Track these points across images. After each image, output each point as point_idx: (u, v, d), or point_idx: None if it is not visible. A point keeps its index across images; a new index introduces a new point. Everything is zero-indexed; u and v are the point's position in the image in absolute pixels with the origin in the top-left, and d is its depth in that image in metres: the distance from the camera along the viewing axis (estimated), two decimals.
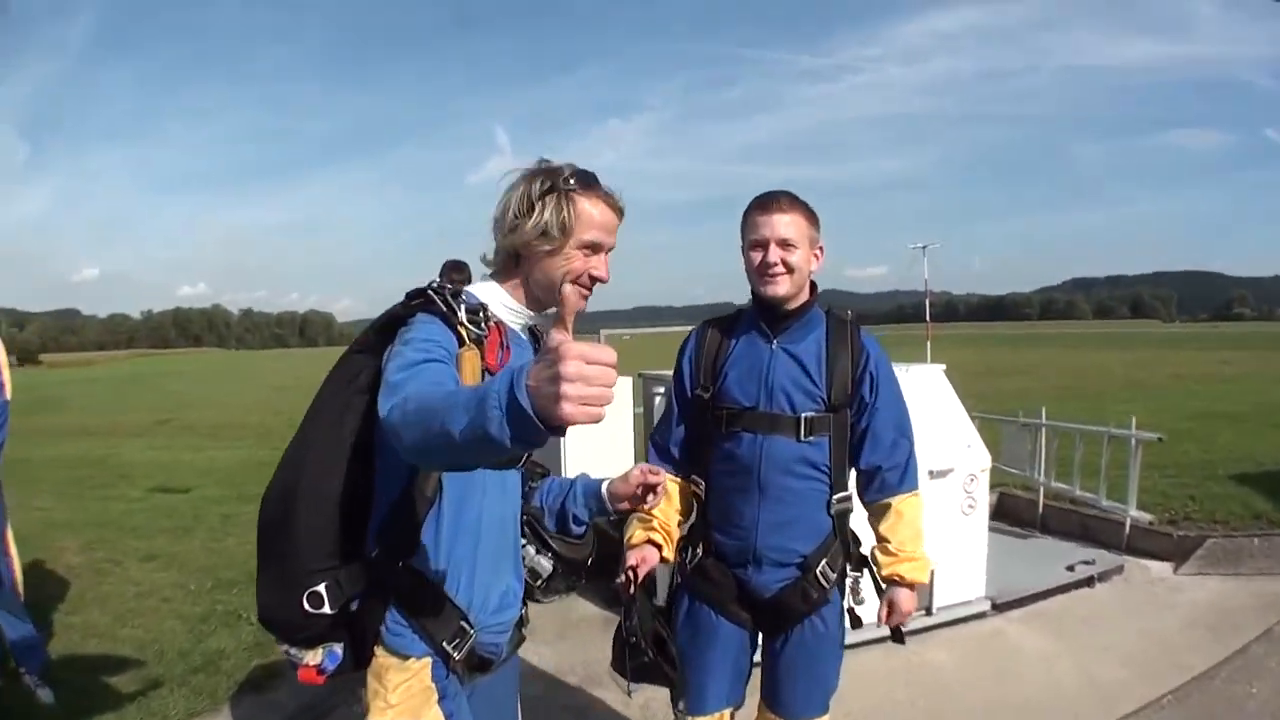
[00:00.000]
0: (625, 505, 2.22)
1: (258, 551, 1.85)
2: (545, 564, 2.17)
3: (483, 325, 1.85)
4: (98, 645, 5.14)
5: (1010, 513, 7.88)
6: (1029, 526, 7.59)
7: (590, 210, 1.91)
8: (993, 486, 6.39)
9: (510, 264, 1.97)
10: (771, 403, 2.58)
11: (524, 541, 2.15)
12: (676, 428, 2.80)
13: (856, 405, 2.62)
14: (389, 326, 1.82)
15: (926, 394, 5.41)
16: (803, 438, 2.56)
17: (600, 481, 2.24)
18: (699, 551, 2.73)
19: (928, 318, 14.67)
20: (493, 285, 2.00)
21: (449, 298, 1.84)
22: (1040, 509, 7.60)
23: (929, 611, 5.33)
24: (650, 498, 2.18)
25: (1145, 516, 6.83)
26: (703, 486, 2.72)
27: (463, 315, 1.82)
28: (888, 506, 2.65)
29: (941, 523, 5.16)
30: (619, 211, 1.99)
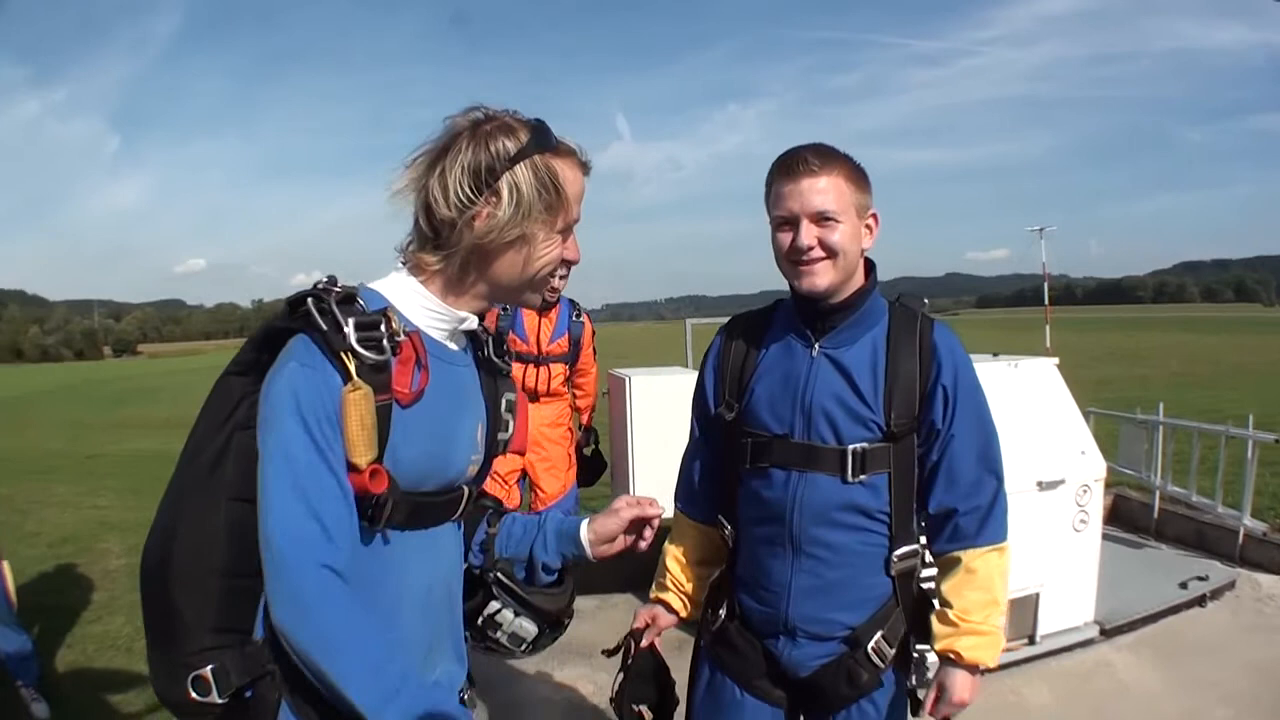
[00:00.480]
0: (612, 548, 1.77)
1: (143, 616, 1.50)
2: (528, 627, 1.75)
3: (385, 343, 1.40)
4: (112, 658, 4.93)
5: (1125, 517, 7.36)
6: (1143, 532, 7.02)
7: (573, 179, 1.53)
8: (1108, 487, 6.01)
9: (465, 262, 1.52)
10: (810, 430, 2.00)
11: (498, 605, 1.74)
12: (699, 457, 2.28)
13: (925, 431, 2.01)
14: (269, 342, 1.43)
15: (1038, 392, 4.90)
16: (850, 477, 1.96)
17: (578, 521, 1.78)
18: (722, 613, 2.20)
19: (1046, 301, 14.32)
20: (406, 279, 1.54)
21: (335, 308, 1.38)
22: (1155, 514, 7.00)
23: (1032, 640, 4.73)
24: (647, 531, 1.75)
25: (1260, 526, 6.25)
26: (729, 532, 2.18)
27: (351, 335, 1.37)
28: (956, 562, 2.03)
29: (1051, 540, 4.67)
30: (588, 171, 1.58)
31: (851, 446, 1.95)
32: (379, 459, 1.38)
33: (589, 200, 1.56)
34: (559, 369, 5.45)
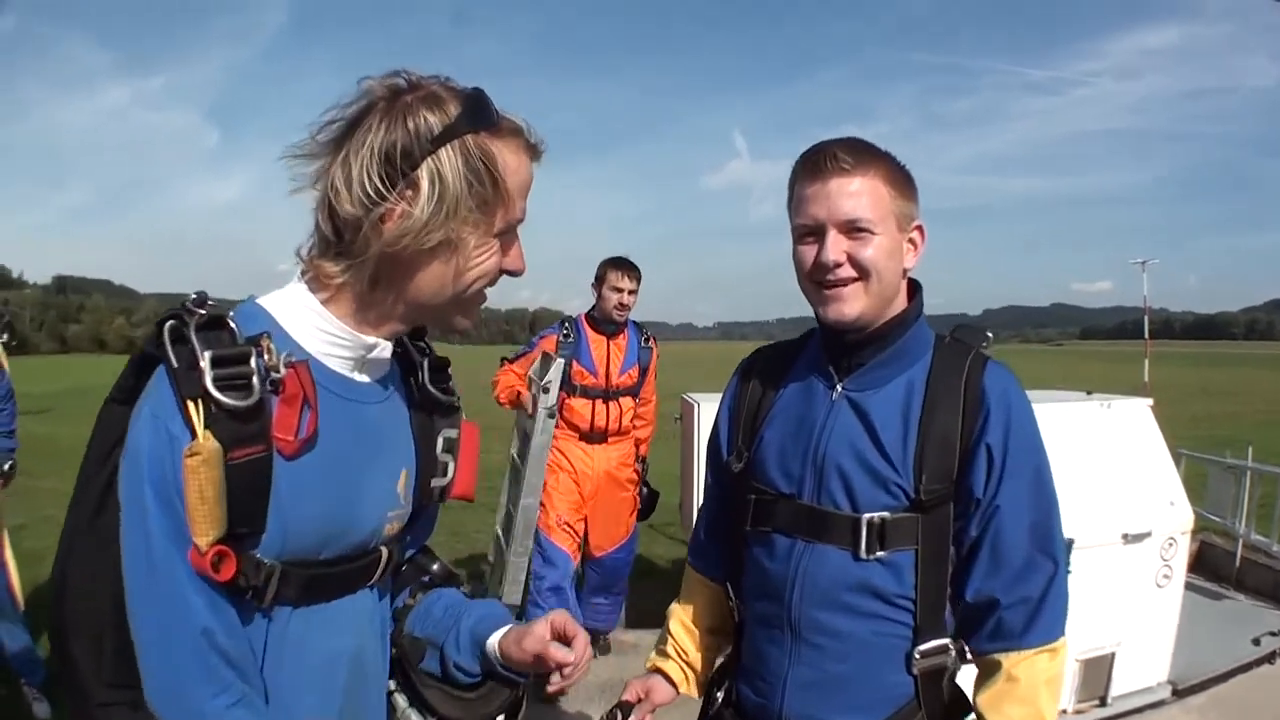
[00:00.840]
0: (525, 669, 1.45)
1: None
2: None
3: (255, 381, 1.13)
4: None
5: (1209, 564, 7.07)
6: (1225, 581, 6.77)
7: (515, 167, 1.22)
8: (1194, 533, 5.70)
9: (375, 275, 1.23)
10: (820, 490, 1.63)
11: (393, 686, 1.47)
12: (713, 508, 1.94)
13: (964, 499, 1.60)
14: (145, 367, 1.18)
15: (1130, 435, 4.57)
16: (865, 553, 1.58)
17: (497, 623, 1.47)
18: (720, 696, 1.85)
19: (1146, 335, 14.00)
20: (302, 294, 1.26)
21: (193, 337, 1.12)
22: (1238, 562, 6.74)
23: (1103, 701, 4.45)
24: (556, 678, 1.37)
25: None
26: (735, 604, 1.83)
27: (207, 375, 1.10)
28: (996, 666, 1.61)
29: (1131, 596, 4.39)
30: (538, 157, 1.27)
31: (868, 515, 1.57)
32: (242, 534, 1.13)
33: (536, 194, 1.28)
34: (629, 403, 4.94)
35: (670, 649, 1.92)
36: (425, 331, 1.46)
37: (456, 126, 1.15)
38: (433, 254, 1.19)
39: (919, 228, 1.66)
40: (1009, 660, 1.58)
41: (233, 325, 1.15)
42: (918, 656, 1.62)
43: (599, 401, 4.82)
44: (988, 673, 1.64)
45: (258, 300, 1.26)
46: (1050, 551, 1.59)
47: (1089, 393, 4.91)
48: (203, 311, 1.14)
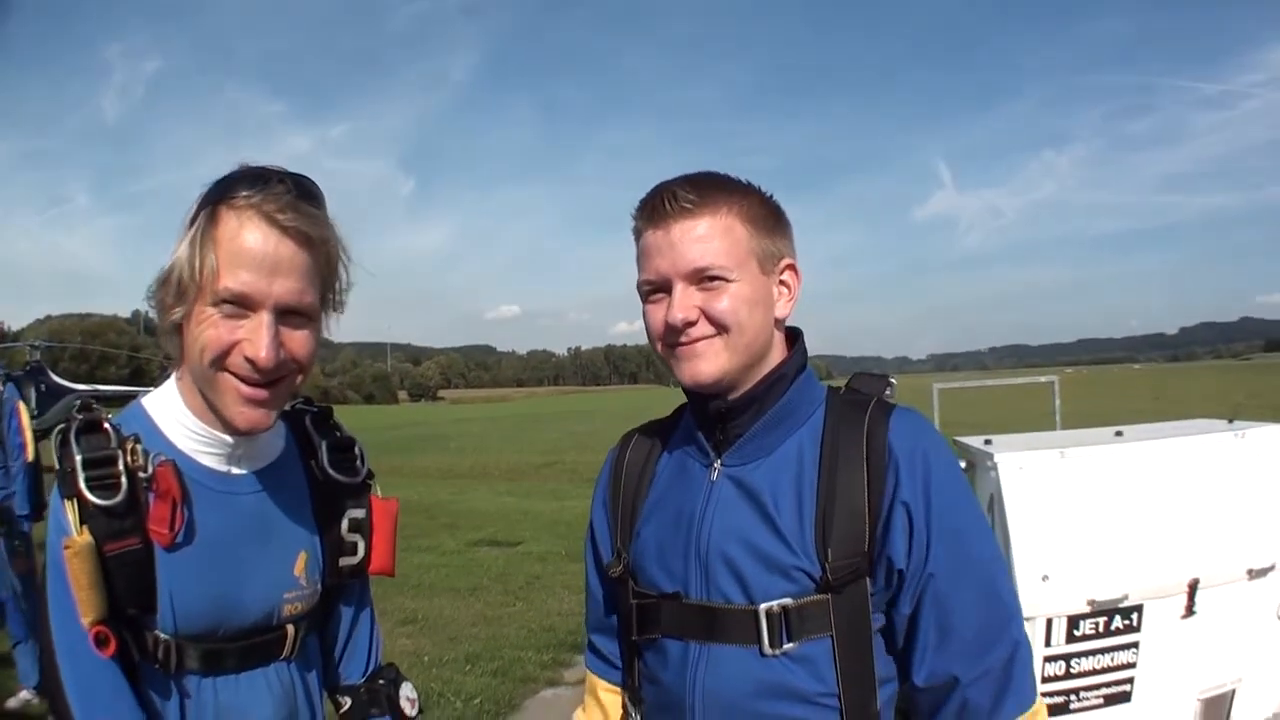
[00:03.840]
0: None
1: None
2: None
3: (123, 481, 1.25)
4: None
5: None
6: None
7: (233, 233, 1.23)
8: None
9: (179, 352, 1.34)
10: (708, 584, 1.38)
11: None
12: (604, 613, 1.66)
13: (885, 572, 1.35)
14: None
15: (1264, 465, 4.16)
16: (771, 648, 1.33)
17: None
18: None
19: None
20: (170, 389, 1.38)
21: (72, 440, 1.27)
22: None
23: None
24: None
25: None
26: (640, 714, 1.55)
27: (80, 477, 1.23)
28: None
29: (1253, 631, 4.07)
30: (296, 233, 1.26)
31: (766, 605, 1.32)
32: (135, 614, 1.27)
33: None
34: None
35: None
36: (331, 411, 1.55)
37: (207, 198, 1.26)
38: (184, 327, 1.29)
39: (790, 266, 1.44)
40: None
41: (109, 428, 1.29)
42: None
43: None
44: None
45: (142, 400, 1.39)
46: (1004, 611, 1.37)
47: (1230, 420, 4.51)
48: (83, 415, 1.28)
